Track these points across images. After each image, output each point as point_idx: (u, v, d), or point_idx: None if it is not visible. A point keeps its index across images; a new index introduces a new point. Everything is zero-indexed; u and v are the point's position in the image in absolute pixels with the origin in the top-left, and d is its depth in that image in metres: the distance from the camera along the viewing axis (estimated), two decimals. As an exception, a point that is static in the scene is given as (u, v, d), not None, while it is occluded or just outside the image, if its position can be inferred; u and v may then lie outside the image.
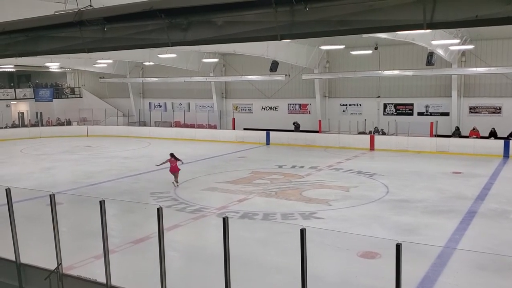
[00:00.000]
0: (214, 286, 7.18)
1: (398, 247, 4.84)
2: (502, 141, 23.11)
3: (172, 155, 17.49)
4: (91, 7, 7.45)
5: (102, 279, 7.24)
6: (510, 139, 23.20)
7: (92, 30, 7.29)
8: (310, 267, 7.72)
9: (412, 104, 27.75)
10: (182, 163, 17.86)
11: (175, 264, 9.74)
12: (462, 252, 10.02)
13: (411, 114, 27.71)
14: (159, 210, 6.40)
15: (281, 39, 5.62)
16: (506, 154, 22.57)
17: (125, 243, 10.97)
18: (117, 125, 36.89)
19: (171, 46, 6.76)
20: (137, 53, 26.13)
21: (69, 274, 7.85)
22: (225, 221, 5.90)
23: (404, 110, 28.03)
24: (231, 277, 6.12)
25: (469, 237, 11.18)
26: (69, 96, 40.01)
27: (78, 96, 40.65)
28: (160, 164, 17.31)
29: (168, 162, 17.36)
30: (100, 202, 6.99)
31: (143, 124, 37.87)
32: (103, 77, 38.02)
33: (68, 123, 37.67)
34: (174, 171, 17.30)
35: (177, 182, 17.22)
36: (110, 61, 32.63)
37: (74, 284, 7.66)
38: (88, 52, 7.97)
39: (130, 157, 24.89)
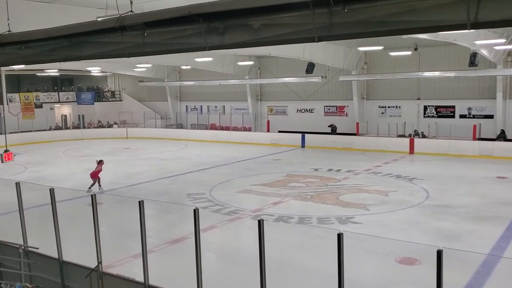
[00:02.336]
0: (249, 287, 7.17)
1: (439, 253, 4.69)
2: (551, 145, 22.08)
3: (100, 162, 17.92)
4: (131, 13, 7.63)
5: (141, 278, 7.36)
6: (559, 143, 22.14)
7: (132, 35, 7.46)
8: (347, 272, 7.60)
9: (453, 106, 26.91)
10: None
11: (211, 265, 9.80)
12: (508, 261, 9.60)
13: (453, 116, 26.86)
14: (196, 211, 6.45)
15: (318, 41, 5.55)
16: (554, 159, 21.56)
17: (162, 243, 11.14)
18: (155, 127, 37.53)
19: (209, 50, 6.81)
20: (175, 57, 26.54)
21: (108, 272, 8.03)
22: (260, 223, 5.88)
23: (445, 112, 27.21)
24: (267, 280, 6.09)
25: (515, 245, 10.72)
26: (110, 99, 41.05)
27: (118, 99, 41.66)
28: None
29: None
30: (139, 202, 7.12)
31: (180, 126, 38.41)
32: (142, 81, 38.82)
33: (109, 125, 38.65)
34: (94, 177, 17.34)
35: (94, 186, 17.01)
36: (149, 65, 33.30)
37: (113, 282, 7.83)
38: (128, 57, 8.16)
39: (168, 158, 25.29)
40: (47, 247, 8.70)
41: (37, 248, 8.95)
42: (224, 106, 36.71)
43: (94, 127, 38.20)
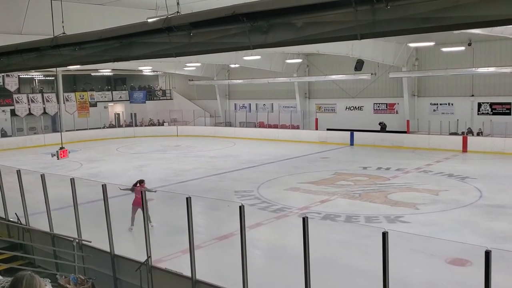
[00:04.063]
0: (294, 285, 7.21)
1: (488, 254, 4.55)
2: None
3: (141, 182, 12.82)
4: (178, 13, 7.85)
5: (188, 273, 7.57)
6: None
7: (179, 36, 7.68)
8: (395, 272, 7.49)
9: (509, 103, 25.64)
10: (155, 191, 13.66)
11: (257, 262, 9.92)
12: None
13: (509, 114, 25.59)
14: (241, 208, 6.56)
15: (361, 39, 5.51)
16: None
17: (210, 239, 11.36)
18: (205, 125, 38.11)
19: (253, 49, 6.91)
20: (224, 56, 26.90)
21: (157, 266, 8.30)
22: (304, 221, 5.91)
23: (500, 109, 26.00)
24: (312, 278, 6.12)
25: None
26: (161, 98, 42.09)
27: (169, 98, 42.63)
28: (124, 189, 12.47)
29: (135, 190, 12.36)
30: (187, 198, 7.32)
31: (229, 124, 38.81)
32: (192, 80, 39.56)
33: (160, 123, 39.67)
34: (138, 204, 11.74)
35: (132, 226, 12.14)
36: (198, 64, 33.92)
37: (162, 276, 8.09)
38: (175, 57, 8.40)
39: (217, 156, 25.68)
40: (100, 241, 9.09)
41: (90, 242, 9.38)
42: (272, 104, 36.78)
43: (145, 125, 39.33)
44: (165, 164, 23.41)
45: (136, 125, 39.05)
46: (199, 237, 10.86)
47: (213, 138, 34.46)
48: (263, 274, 9.27)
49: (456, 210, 13.47)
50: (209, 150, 28.37)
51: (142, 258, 8.13)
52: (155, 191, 13.29)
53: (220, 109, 39.76)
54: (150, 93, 41.70)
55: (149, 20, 8.73)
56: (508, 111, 25.72)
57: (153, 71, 39.62)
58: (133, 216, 12.16)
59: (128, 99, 40.71)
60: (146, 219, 8.48)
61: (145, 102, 40.47)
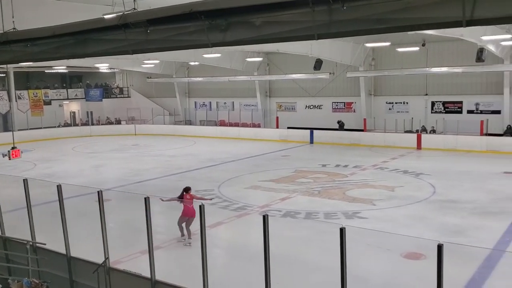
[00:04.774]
0: (255, 283, 7.25)
1: (440, 247, 4.73)
2: (560, 140, 21.91)
3: (187, 190, 11.38)
4: (135, 10, 7.73)
5: (148, 274, 7.47)
6: None
7: (136, 32, 7.57)
8: (353, 267, 7.66)
9: (461, 102, 26.75)
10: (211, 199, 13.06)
11: (218, 261, 9.91)
12: (512, 255, 9.62)
13: (460, 112, 26.71)
14: (201, 207, 6.53)
15: (318, 39, 5.61)
16: None
17: (170, 239, 11.25)
18: (164, 124, 37.68)
19: (211, 47, 6.90)
20: (183, 53, 26.62)
21: (116, 268, 8.15)
22: (265, 219, 5.95)
23: (453, 108, 27.07)
24: (272, 275, 6.17)
25: (521, 240, 10.71)
26: (118, 96, 41.25)
27: (126, 95, 41.85)
28: (168, 200, 11.74)
29: (182, 201, 11.21)
30: (145, 198, 7.22)
31: (189, 123, 38.53)
32: (150, 77, 38.98)
33: (117, 122, 38.88)
34: (190, 214, 10.92)
35: (189, 238, 11.03)
36: (157, 61, 33.45)
37: (121, 277, 7.95)
38: (132, 54, 8.28)
39: (176, 155, 25.43)
40: (56, 243, 8.83)
41: (45, 244, 9.09)
42: (233, 102, 36.76)
43: (102, 124, 38.46)
44: (123, 163, 22.97)
45: (92, 124, 38.12)
46: (159, 238, 10.73)
47: (172, 137, 34.10)
48: (224, 272, 9.27)
49: (411, 205, 13.91)
50: (168, 149, 28.06)
51: (100, 259, 7.95)
52: (211, 199, 12.23)
53: (179, 107, 39.38)
54: (107, 91, 40.79)
55: (105, 17, 8.53)
56: (460, 109, 26.82)
57: (110, 69, 38.78)
58: (182, 225, 11.11)
59: (84, 97, 39.66)
60: (103, 221, 8.27)
61: (101, 100, 39.54)
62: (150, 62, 33.37)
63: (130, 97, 41.77)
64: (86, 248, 9.17)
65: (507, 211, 12.91)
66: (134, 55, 9.30)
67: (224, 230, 12.27)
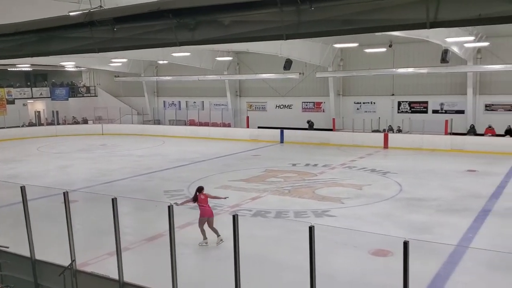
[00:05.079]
0: (225, 283, 7.24)
1: (406, 244, 4.83)
2: (519, 139, 22.77)
3: (201, 190, 11.10)
4: (101, 8, 7.58)
5: (115, 276, 7.34)
6: (527, 137, 22.84)
7: (102, 31, 7.42)
8: (322, 265, 7.73)
9: (426, 102, 27.47)
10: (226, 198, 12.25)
11: (188, 261, 9.83)
12: (475, 250, 9.93)
13: (426, 112, 27.43)
14: (170, 208, 6.46)
15: (287, 39, 5.65)
16: (522, 152, 22.25)
17: (139, 240, 11.11)
18: (132, 123, 37.15)
19: (179, 46, 6.85)
20: (151, 52, 26.30)
21: (82, 270, 7.98)
22: (235, 218, 5.93)
23: (418, 108, 27.77)
24: (242, 275, 6.17)
25: (482, 235, 11.07)
26: (85, 95, 40.46)
27: (93, 95, 41.09)
28: (183, 203, 11.19)
29: (197, 201, 10.97)
30: (112, 199, 7.09)
31: (158, 122, 38.14)
32: (118, 76, 38.38)
33: (84, 121, 38.11)
34: (208, 215, 10.85)
35: (218, 235, 10.76)
36: (125, 60, 32.94)
37: (88, 280, 7.79)
38: (98, 52, 8.12)
39: (145, 155, 25.13)
40: (19, 246, 8.57)
41: (7, 247, 8.81)
42: (203, 101, 36.59)
43: (68, 124, 37.61)
44: (90, 164, 22.53)
45: (58, 124, 37.19)
46: (127, 239, 10.57)
47: (141, 137, 33.68)
48: (194, 273, 9.21)
49: (378, 203, 14.17)
50: (136, 149, 27.69)
51: (66, 262, 7.77)
52: (225, 198, 12.06)
53: (148, 106, 38.92)
54: (73, 90, 39.91)
55: (71, 14, 8.33)
56: (425, 109, 27.52)
57: (76, 67, 37.95)
58: (203, 228, 10.72)
59: (49, 96, 38.65)
60: (70, 222, 8.08)
61: (67, 99, 38.61)
62: (117, 61, 32.83)
63: (97, 96, 41.02)
64: (51, 251, 8.94)
65: (470, 208, 13.32)
66: (101, 53, 9.13)
67: (194, 231, 12.17)
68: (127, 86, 39.74)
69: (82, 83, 42.01)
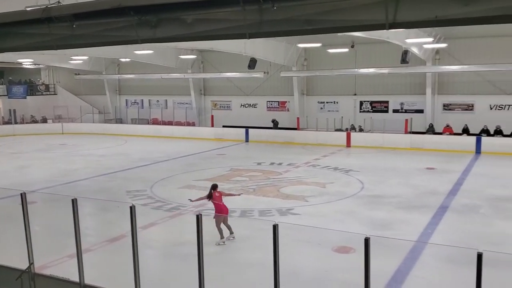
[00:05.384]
0: (188, 283, 7.19)
1: (367, 241, 4.95)
2: (474, 137, 23.65)
3: (215, 187, 11.18)
4: (59, 3, 7.36)
5: (76, 278, 7.17)
6: (482, 136, 23.75)
7: (60, 27, 7.21)
8: (286, 263, 7.80)
9: (387, 102, 28.15)
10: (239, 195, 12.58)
11: (151, 262, 9.72)
12: (433, 246, 10.25)
13: (387, 111, 28.12)
14: (132, 208, 6.37)
15: (249, 38, 5.67)
16: (478, 151, 23.13)
17: (100, 241, 10.90)
18: (93, 122, 36.41)
19: (140, 43, 6.76)
20: (113, 49, 25.77)
21: (41, 273, 7.75)
22: (198, 218, 5.92)
23: (379, 107, 28.43)
24: (207, 274, 6.15)
25: (440, 231, 11.44)
26: (44, 93, 39.29)
27: (53, 93, 39.95)
28: (197, 200, 11.53)
29: (211, 200, 11.04)
30: (72, 200, 6.94)
31: (120, 121, 37.48)
32: (79, 74, 37.46)
33: (43, 120, 37.01)
34: (225, 212, 10.85)
35: (231, 233, 10.84)
36: (85, 57, 32.15)
37: (47, 283, 7.57)
38: (57, 49, 7.90)
39: (106, 155, 24.64)
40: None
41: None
42: (166, 100, 36.19)
43: (27, 122, 36.40)
44: (49, 164, 21.90)
45: (16, 123, 35.92)
46: (88, 240, 10.35)
47: (102, 136, 33.00)
48: (157, 274, 9.10)
49: (341, 201, 14.42)
50: (98, 148, 27.12)
51: (24, 265, 7.53)
52: (239, 195, 12.21)
53: (109, 105, 38.18)
54: (32, 88, 38.65)
55: (28, 9, 8.06)
56: (386, 108, 28.19)
57: (35, 64, 36.72)
58: (220, 227, 10.52)
59: (6, 94, 37.25)
60: (27, 224, 7.83)
61: (25, 98, 37.31)
62: (78, 58, 32.00)
63: (56, 94, 39.91)
64: (9, 254, 8.65)
65: (429, 204, 13.74)
66: (60, 50, 8.88)
67: (157, 231, 12.06)
68: (88, 84, 38.84)
69: (41, 81, 40.79)
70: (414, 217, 12.59)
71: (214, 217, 10.65)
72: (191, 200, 11.26)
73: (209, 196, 10.86)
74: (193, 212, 13.19)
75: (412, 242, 10.36)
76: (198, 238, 5.97)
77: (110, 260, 10.04)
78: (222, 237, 10.58)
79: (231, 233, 10.75)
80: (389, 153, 23.74)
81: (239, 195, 12.26)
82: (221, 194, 11.01)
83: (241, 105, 33.19)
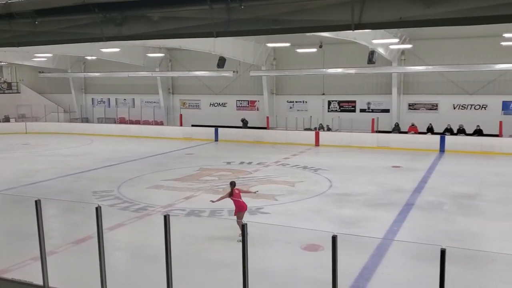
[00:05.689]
0: (157, 284, 7.12)
1: (334, 238, 5.01)
2: (439, 136, 24.33)
3: (235, 184, 11.24)
4: (20, -1, 7.15)
5: (40, 282, 6.99)
6: (446, 135, 24.44)
7: (22, 23, 6.98)
8: (256, 262, 7.81)
9: (354, 101, 28.61)
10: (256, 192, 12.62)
11: (118, 264, 9.56)
12: (399, 243, 10.47)
13: (354, 111, 28.58)
14: (98, 209, 6.25)
15: (217, 36, 5.65)
16: (442, 149, 23.78)
17: (65, 243, 10.65)
18: (58, 121, 35.57)
19: (105, 41, 6.62)
20: (78, 47, 25.15)
21: (2, 277, 7.52)
22: (166, 219, 5.87)
23: (347, 107, 28.86)
24: (175, 275, 6.10)
25: (406, 228, 11.69)
26: (6, 92, 38.10)
27: (15, 91, 38.81)
28: (219, 200, 11.37)
29: (231, 197, 11.07)
30: (36, 202, 6.76)
31: (86, 120, 36.75)
32: (43, 72, 36.49)
33: (5, 119, 35.88)
34: (245, 208, 11.06)
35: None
36: (50, 55, 31.32)
37: (8, 287, 7.34)
38: (18, 46, 7.67)
39: (72, 154, 24.09)
40: None
41: None
42: (133, 99, 35.69)
43: (-12, 122, 35.26)
44: (12, 164, 21.24)
45: (-24, 122, 34.76)
46: (53, 243, 10.11)
47: (67, 135, 32.27)
48: (125, 275, 8.96)
49: (310, 199, 14.55)
50: (63, 148, 26.49)
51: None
52: (255, 192, 12.35)
53: (75, 104, 37.36)
54: (-7, 86, 37.42)
55: (-12, 4, 7.77)
56: (354, 108, 28.65)
57: (-4, 62, 35.61)
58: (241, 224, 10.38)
59: (-35, 92, 36.01)
60: None
61: (-14, 96, 36.18)
62: (42, 56, 31.14)
63: (20, 93, 38.76)
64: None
65: (395, 202, 14.03)
66: (22, 47, 8.61)
67: (125, 232, 11.87)
68: (52, 83, 37.88)
69: (2, 79, 39.51)
70: (380, 215, 12.83)
71: (235, 214, 10.87)
72: (212, 201, 11.35)
73: (231, 194, 10.98)
74: (161, 212, 13.05)
75: (378, 239, 10.55)
76: (166, 238, 5.92)
77: (76, 262, 9.81)
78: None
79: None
80: (356, 152, 24.13)
81: (255, 192, 12.28)
82: (240, 191, 11.17)
83: (211, 104, 33.05)
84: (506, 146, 23.06)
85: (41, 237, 6.86)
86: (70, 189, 16.31)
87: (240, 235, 10.44)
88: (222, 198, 11.29)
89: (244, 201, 11.01)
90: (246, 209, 11.02)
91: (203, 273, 9.01)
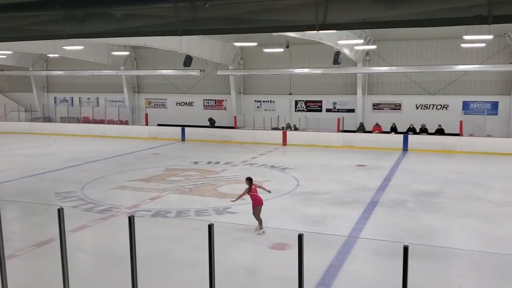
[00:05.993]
0: (121, 286, 7.00)
1: (300, 237, 5.06)
2: (402, 135, 24.93)
3: (250, 180, 11.51)
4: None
5: (-1, 286, 6.77)
6: (409, 134, 25.07)
7: (-22, 19, 6.73)
8: (222, 262, 7.79)
9: (321, 101, 28.97)
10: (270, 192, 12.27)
11: (82, 266, 9.35)
12: (364, 240, 10.66)
13: (320, 110, 28.95)
14: (60, 211, 6.09)
15: (182, 35, 5.60)
16: (405, 148, 24.38)
17: (26, 246, 10.33)
18: (19, 121, 34.55)
19: (67, 38, 6.44)
20: (39, 44, 24.45)
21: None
22: (130, 220, 5.79)
23: (313, 106, 29.19)
24: (141, 276, 6.02)
25: (371, 225, 11.91)
26: (-37, 90, 36.67)
27: (-27, 89, 37.40)
28: (238, 198, 11.58)
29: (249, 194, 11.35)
30: (-6, 204, 6.52)
31: (48, 120, 35.77)
32: (3, 70, 35.25)
33: (-38, 119, 34.54)
34: (262, 203, 11.35)
35: (261, 227, 11.11)
36: (10, 52, 30.28)
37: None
38: (-26, 42, 7.37)
39: (34, 155, 23.40)
40: None
41: None
42: (97, 98, 34.99)
43: None
44: (-31, 165, 20.44)
45: None
46: (13, 245, 9.81)
47: (29, 135, 31.38)
48: (89, 278, 8.78)
49: (278, 198, 14.60)
50: (24, 148, 25.70)
51: None
52: (269, 191, 12.14)
53: (37, 103, 36.32)
54: (-51, 84, 35.91)
55: None
56: (320, 108, 29.00)
57: (-48, 58, 34.14)
58: (260, 217, 11.14)
59: None
60: None
61: None
62: (1, 53, 30.09)
63: (-23, 91, 37.37)
64: None
65: (360, 200, 14.28)
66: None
67: (89, 234, 11.62)
68: (13, 81, 36.71)
69: (-42, 76, 37.95)
70: (346, 213, 13.03)
71: (253, 208, 11.18)
72: (232, 201, 11.75)
73: (249, 190, 11.26)
74: (126, 213, 12.84)
75: (343, 237, 10.71)
76: (131, 240, 5.83)
77: (37, 265, 9.54)
78: (261, 227, 11.02)
79: (261, 227, 11.09)
80: (322, 151, 24.43)
81: (269, 191, 12.22)
82: (255, 186, 11.48)
83: (177, 103, 32.76)
84: (466, 145, 23.85)
85: (0, 240, 6.63)
86: (32, 191, 15.83)
87: (259, 227, 10.96)
88: (241, 196, 11.49)
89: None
90: (262, 204, 11.24)
91: (169, 273, 8.92)
